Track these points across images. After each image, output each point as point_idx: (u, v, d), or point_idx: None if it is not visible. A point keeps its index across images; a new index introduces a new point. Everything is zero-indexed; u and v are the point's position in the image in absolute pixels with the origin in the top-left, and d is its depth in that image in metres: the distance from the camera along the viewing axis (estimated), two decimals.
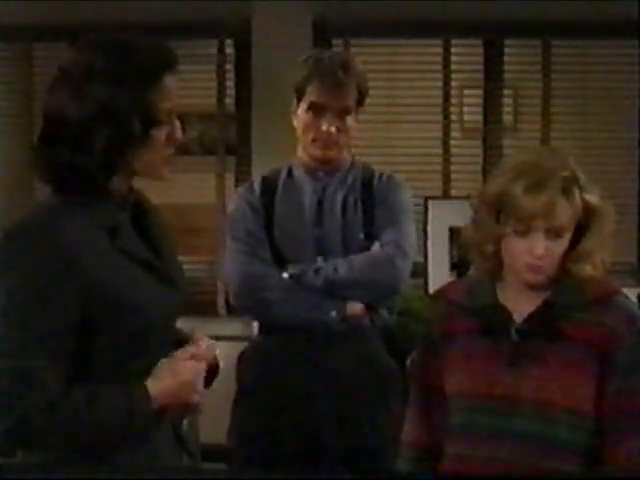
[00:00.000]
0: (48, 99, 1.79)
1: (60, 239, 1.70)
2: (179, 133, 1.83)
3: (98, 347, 1.74)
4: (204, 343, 1.90)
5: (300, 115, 2.75)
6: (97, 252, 1.74)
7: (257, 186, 2.83)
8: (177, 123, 1.82)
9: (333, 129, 2.69)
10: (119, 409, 1.72)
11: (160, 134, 1.79)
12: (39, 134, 1.79)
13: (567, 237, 1.93)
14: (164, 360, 1.81)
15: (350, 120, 2.73)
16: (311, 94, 2.71)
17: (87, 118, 1.72)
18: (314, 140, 2.73)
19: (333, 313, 2.67)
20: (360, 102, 2.76)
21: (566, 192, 1.90)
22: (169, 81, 1.79)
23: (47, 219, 1.74)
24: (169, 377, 1.80)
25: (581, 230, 1.95)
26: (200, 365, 1.85)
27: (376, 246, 2.72)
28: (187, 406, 1.85)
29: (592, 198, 1.94)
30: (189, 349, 1.85)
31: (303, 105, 2.73)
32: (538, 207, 1.88)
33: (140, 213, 1.89)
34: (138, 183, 1.89)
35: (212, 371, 1.93)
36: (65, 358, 1.70)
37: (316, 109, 2.71)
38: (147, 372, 1.79)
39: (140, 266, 1.80)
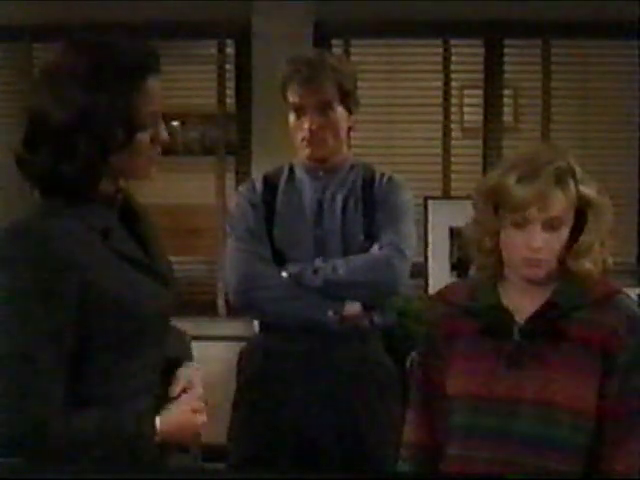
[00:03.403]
0: (30, 103, 1.77)
1: (54, 242, 1.69)
2: (164, 135, 1.81)
3: (94, 347, 1.74)
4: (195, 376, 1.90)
5: (289, 118, 2.78)
6: (91, 253, 1.73)
7: (259, 184, 2.84)
8: (162, 125, 1.81)
9: (314, 127, 2.71)
10: (124, 439, 1.72)
11: (144, 137, 1.78)
12: (22, 138, 1.77)
13: (565, 231, 1.93)
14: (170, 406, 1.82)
15: (336, 115, 2.74)
16: (291, 96, 2.74)
17: (69, 124, 1.71)
18: (302, 140, 2.75)
19: (330, 313, 2.68)
20: (347, 96, 2.75)
21: (560, 182, 1.90)
22: (152, 84, 1.77)
23: (40, 222, 1.73)
24: (175, 421, 1.81)
25: (580, 226, 1.95)
26: (194, 393, 1.86)
27: (375, 247, 2.73)
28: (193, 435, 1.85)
29: (588, 190, 1.94)
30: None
31: (289, 108, 2.76)
32: (531, 196, 1.88)
33: (128, 212, 1.88)
34: (135, 183, 1.89)
35: None
36: (65, 359, 1.70)
37: (297, 109, 2.74)
38: (143, 370, 1.79)
39: (133, 265, 1.80)
